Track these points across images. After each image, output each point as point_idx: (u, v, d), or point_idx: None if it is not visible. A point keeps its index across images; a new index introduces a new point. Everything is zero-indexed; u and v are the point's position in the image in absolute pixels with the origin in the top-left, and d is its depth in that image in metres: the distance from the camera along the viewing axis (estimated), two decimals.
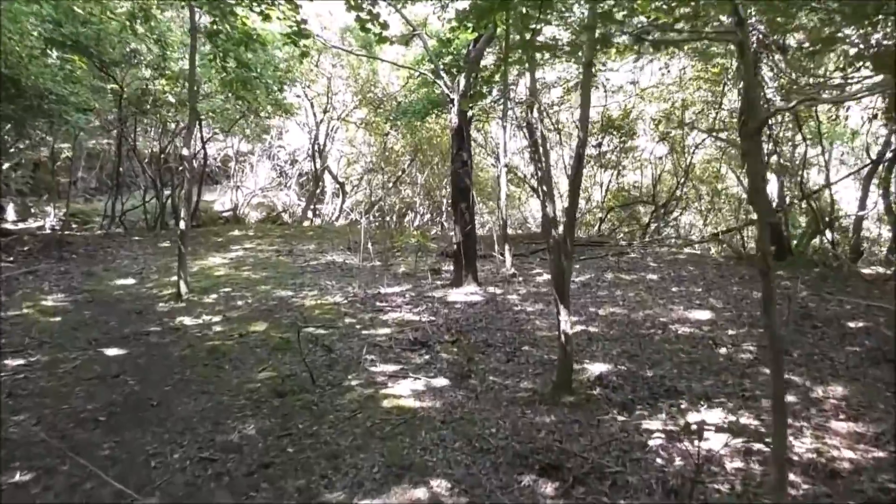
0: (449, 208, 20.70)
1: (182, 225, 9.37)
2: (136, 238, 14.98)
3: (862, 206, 12.14)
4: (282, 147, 23.95)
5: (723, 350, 6.40)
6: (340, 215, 21.33)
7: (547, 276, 9.95)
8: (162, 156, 17.88)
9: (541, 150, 5.87)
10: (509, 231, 12.52)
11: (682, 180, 14.70)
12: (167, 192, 17.84)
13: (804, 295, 8.37)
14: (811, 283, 9.09)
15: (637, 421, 4.84)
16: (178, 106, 11.34)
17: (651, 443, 4.49)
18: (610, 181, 16.91)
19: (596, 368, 5.92)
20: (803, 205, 12.41)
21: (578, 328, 7.27)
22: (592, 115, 16.45)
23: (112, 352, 6.78)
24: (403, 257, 11.91)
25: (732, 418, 4.84)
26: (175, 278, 9.42)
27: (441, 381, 5.74)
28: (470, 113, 9.23)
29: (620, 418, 4.89)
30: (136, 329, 7.63)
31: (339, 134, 21.38)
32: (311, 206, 20.60)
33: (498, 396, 5.37)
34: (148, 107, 14.72)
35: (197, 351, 6.77)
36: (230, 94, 10.85)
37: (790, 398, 5.19)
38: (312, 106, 19.41)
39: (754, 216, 13.12)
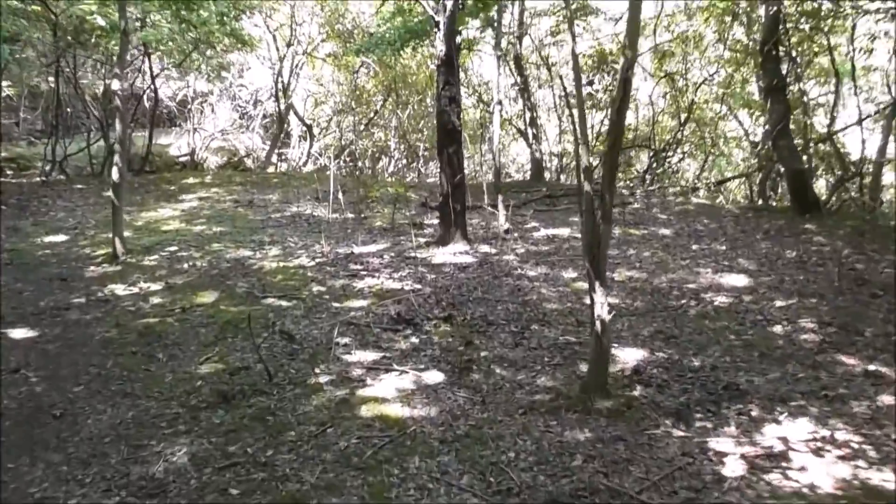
0: (425, 153, 19.26)
1: (116, 175, 7.87)
2: (79, 186, 13.39)
3: (883, 151, 11.01)
4: (243, 86, 22.06)
5: (778, 328, 5.23)
6: (308, 160, 19.72)
7: (547, 232, 8.68)
8: (108, 93, 16.09)
9: (576, 91, 4.46)
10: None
11: (684, 121, 13.38)
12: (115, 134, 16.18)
13: (846, 253, 7.22)
14: (848, 239, 7.94)
15: (700, 438, 3.65)
16: (111, 32, 9.74)
17: (728, 472, 3.30)
18: (602, 123, 15.53)
19: (629, 356, 4.70)
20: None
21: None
22: (584, 50, 15.01)
23: (18, 334, 5.40)
24: (379, 209, 10.53)
25: (825, 432, 3.67)
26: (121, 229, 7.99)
27: (434, 376, 4.49)
28: (459, 39, 7.76)
29: (677, 433, 3.69)
30: (55, 301, 6.23)
31: (305, 71, 19.60)
32: (276, 151, 18.97)
33: (510, 399, 4.13)
34: (88, 37, 12.89)
35: (125, 332, 5.41)
36: (176, 21, 9.17)
37: (887, 398, 4.04)
38: (275, 39, 17.58)
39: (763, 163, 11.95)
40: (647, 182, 12.99)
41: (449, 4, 7.26)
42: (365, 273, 6.99)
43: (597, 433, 3.68)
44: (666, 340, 5.02)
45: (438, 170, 7.96)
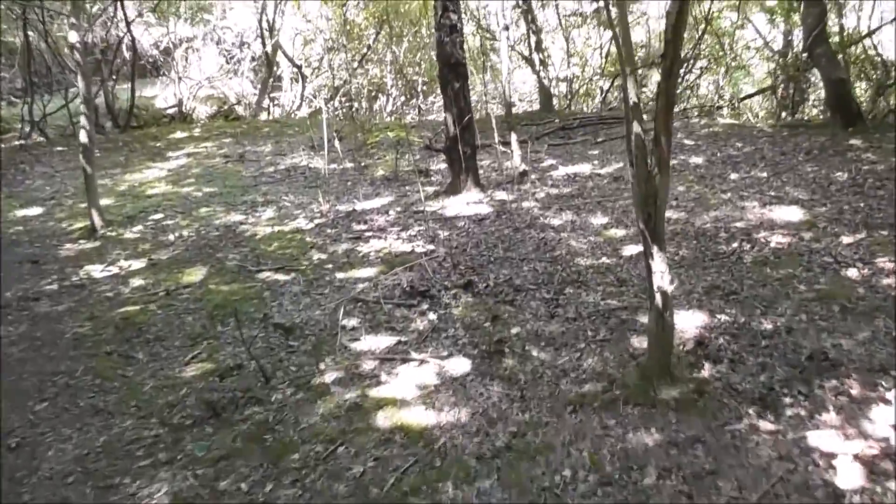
0: (424, 87, 18.17)
1: (84, 137, 7.05)
2: (59, 148, 12.58)
3: None
4: (228, 28, 20.82)
5: (853, 272, 4.47)
6: (302, 103, 18.71)
7: (566, 171, 7.86)
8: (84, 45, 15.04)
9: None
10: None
11: (701, 33, 12.28)
12: (95, 89, 15.23)
13: None
14: None
15: (796, 431, 2.94)
16: None
17: (843, 483, 2.61)
18: (610, 42, 14.41)
19: (686, 322, 3.97)
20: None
21: (632, 248, 5.29)
22: None
23: None
24: (380, 155, 9.70)
25: None
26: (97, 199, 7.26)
27: (460, 364, 3.79)
28: None
29: (766, 426, 2.99)
30: (23, 290, 5.55)
31: (291, 7, 18.37)
32: (268, 95, 17.96)
33: (555, 392, 3.43)
34: None
35: (101, 326, 4.72)
36: None
37: None
38: None
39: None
40: None
41: None
42: (370, 234, 6.24)
43: (667, 434, 2.99)
44: (725, 298, 4.28)
45: (443, 109, 7.10)
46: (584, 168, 7.92)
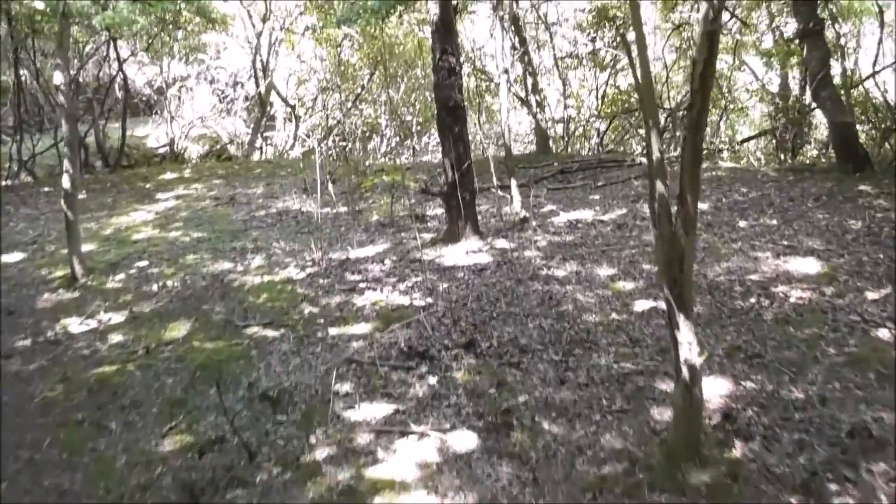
0: (418, 128, 18.04)
1: (66, 183, 6.75)
2: (46, 189, 12.24)
3: None
4: (222, 68, 20.74)
5: (883, 333, 4.17)
6: (295, 143, 18.55)
7: (568, 217, 7.59)
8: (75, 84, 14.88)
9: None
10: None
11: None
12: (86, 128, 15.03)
13: None
14: None
15: None
16: (52, 17, 8.55)
17: None
18: (606, 84, 14.35)
19: (710, 390, 3.65)
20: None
21: (643, 303, 5.00)
22: (583, 5, 13.79)
23: None
24: (375, 199, 9.43)
25: None
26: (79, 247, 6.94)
27: (464, 438, 3.45)
28: None
29: None
30: None
31: (285, 48, 18.32)
32: (260, 135, 17.78)
33: (571, 475, 3.09)
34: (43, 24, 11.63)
35: (74, 389, 4.37)
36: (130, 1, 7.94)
37: None
38: (250, 15, 16.29)
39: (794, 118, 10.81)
40: (665, 147, 11.85)
41: None
42: (365, 285, 5.93)
43: None
44: (749, 361, 3.97)
45: (440, 152, 6.85)
46: (586, 214, 7.66)
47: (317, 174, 8.92)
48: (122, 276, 6.81)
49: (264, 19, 15.21)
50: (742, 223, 6.78)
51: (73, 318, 5.73)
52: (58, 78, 6.55)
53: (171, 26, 12.24)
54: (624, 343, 4.38)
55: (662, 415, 3.45)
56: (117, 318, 5.67)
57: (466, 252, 6.48)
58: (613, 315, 4.84)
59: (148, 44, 13.57)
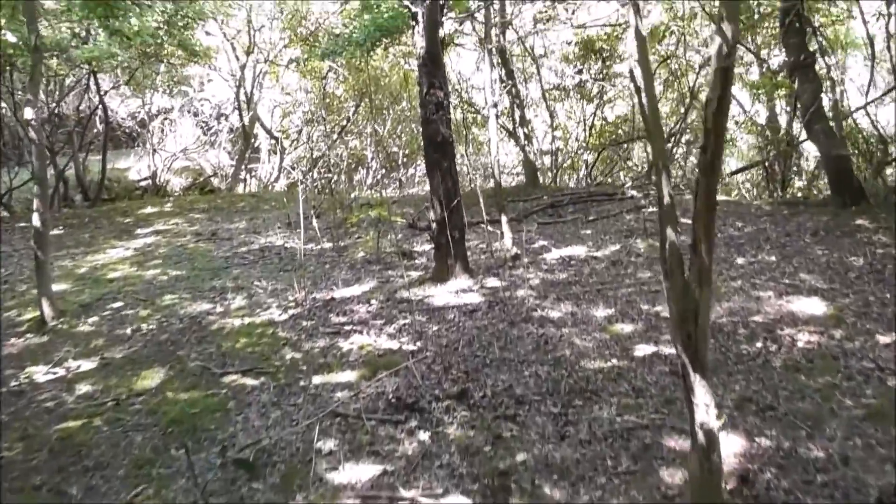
0: (405, 160, 17.88)
1: (36, 220, 6.45)
2: (22, 224, 11.85)
3: None
4: (206, 100, 20.55)
5: None
6: (280, 175, 18.32)
7: (560, 253, 7.36)
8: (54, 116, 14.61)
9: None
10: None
11: (687, 108, 12.12)
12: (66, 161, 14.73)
13: None
14: None
15: None
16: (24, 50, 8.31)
17: None
18: (594, 116, 14.26)
19: (725, 448, 3.38)
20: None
21: (643, 347, 4.75)
22: (569, 37, 13.75)
23: None
24: (360, 234, 9.18)
25: None
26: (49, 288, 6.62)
27: None
28: (444, 31, 6.44)
29: None
30: None
31: (269, 80, 18.17)
32: (244, 168, 17.54)
33: None
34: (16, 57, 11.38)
35: (34, 449, 4.03)
36: (106, 33, 7.69)
37: None
38: (234, 48, 16.13)
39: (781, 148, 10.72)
40: (650, 179, 11.71)
41: None
42: (350, 327, 5.65)
43: None
44: (761, 414, 3.72)
45: (429, 191, 6.62)
46: (579, 250, 7.44)
47: (301, 209, 8.66)
48: (94, 318, 6.49)
49: (248, 52, 15.04)
50: (740, 260, 6.58)
51: (39, 365, 5.39)
52: (28, 113, 6.27)
53: (152, 59, 12.01)
54: (626, 393, 4.11)
55: (673, 477, 3.19)
56: (87, 365, 5.35)
57: (457, 291, 6.22)
58: (613, 361, 4.58)
59: (129, 76, 13.32)
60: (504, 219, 6.93)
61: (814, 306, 5.18)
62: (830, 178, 8.36)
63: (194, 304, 6.68)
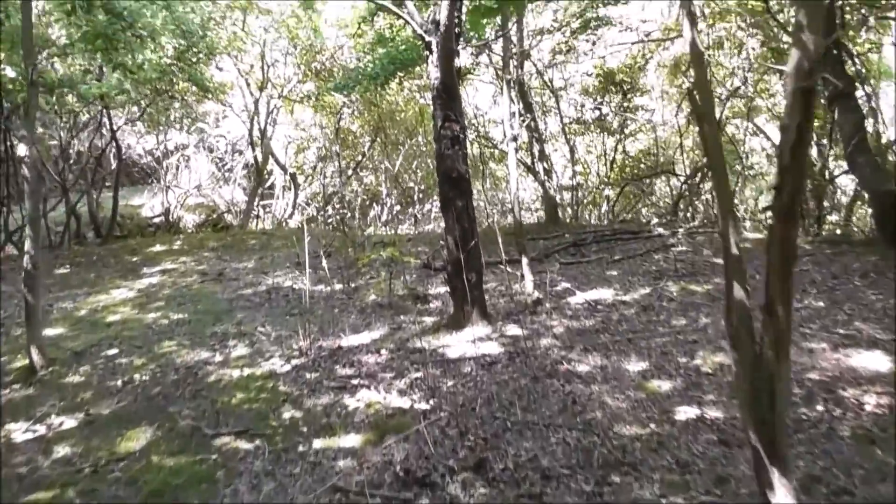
0: (420, 194, 17.51)
1: (27, 262, 6.07)
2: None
3: None
4: (222, 136, 20.41)
5: None
6: (294, 211, 18.02)
7: (585, 297, 6.85)
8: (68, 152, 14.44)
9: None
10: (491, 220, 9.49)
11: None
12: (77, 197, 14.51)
13: None
14: None
15: None
16: (12, 83, 8.07)
17: None
18: (615, 150, 13.83)
19: None
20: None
21: (685, 410, 4.21)
22: (588, 68, 13.40)
23: None
24: (372, 274, 8.73)
25: None
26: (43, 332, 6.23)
27: None
28: (460, 61, 6.05)
29: None
30: None
31: (283, 116, 17.99)
32: (256, 205, 17.25)
33: None
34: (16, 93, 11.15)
35: None
36: (109, 68, 7.38)
37: None
38: (248, 84, 15.95)
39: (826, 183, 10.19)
40: (680, 216, 11.21)
41: (442, 17, 5.54)
42: (357, 381, 5.15)
43: None
44: (835, 500, 3.16)
45: (444, 231, 6.17)
46: (605, 294, 6.93)
47: (306, 249, 8.25)
48: (86, 367, 6.05)
49: (261, 87, 14.82)
50: None
51: (20, 422, 4.94)
52: (22, 150, 5.95)
53: (165, 95, 11.79)
54: (670, 467, 3.57)
55: None
56: (70, 422, 4.89)
57: (474, 340, 5.72)
58: (652, 426, 4.04)
59: (141, 113, 13.12)
60: (525, 260, 6.44)
61: (877, 361, 4.62)
62: (876, 215, 7.81)
63: (193, 352, 6.22)
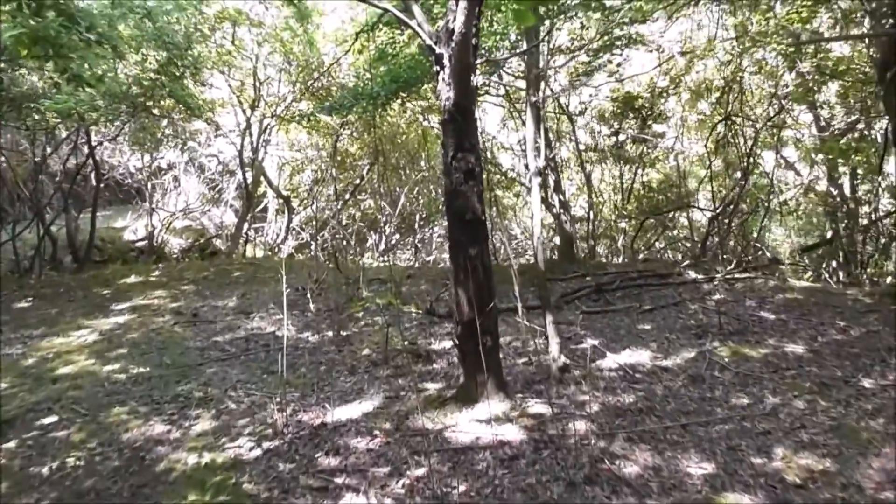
0: (422, 221, 16.44)
1: None
2: None
3: None
4: (213, 156, 19.37)
5: None
6: (287, 236, 16.95)
7: (618, 359, 5.77)
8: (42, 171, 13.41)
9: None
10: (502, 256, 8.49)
11: (745, 173, 10.57)
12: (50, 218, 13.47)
13: None
14: None
15: None
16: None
17: None
18: (633, 180, 12.79)
19: None
20: None
21: None
22: (605, 91, 12.43)
23: None
24: (367, 320, 7.64)
25: None
26: None
27: None
28: (477, 80, 5.00)
29: None
30: None
31: (278, 136, 16.97)
32: (246, 230, 16.19)
33: None
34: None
35: None
36: (63, 79, 6.28)
37: None
38: (240, 102, 14.91)
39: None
40: (703, 255, 10.14)
41: (458, 25, 4.50)
42: (342, 479, 4.05)
43: None
44: None
45: (452, 283, 5.07)
46: (642, 357, 5.86)
47: (308, 277, 7.18)
48: (12, 443, 4.94)
49: (252, 106, 13.80)
50: (866, 382, 4.95)
51: None
52: None
53: (146, 112, 10.75)
54: None
55: None
56: None
57: (489, 420, 4.62)
58: None
59: (119, 130, 12.09)
60: (549, 318, 5.34)
61: None
62: None
63: (146, 423, 5.12)
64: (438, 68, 4.86)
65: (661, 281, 8.29)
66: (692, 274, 8.41)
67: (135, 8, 8.82)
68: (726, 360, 5.62)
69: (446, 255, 17.12)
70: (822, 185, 11.80)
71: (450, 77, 4.75)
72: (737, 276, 8.18)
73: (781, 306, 7.02)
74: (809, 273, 9.36)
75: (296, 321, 7.80)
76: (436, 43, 4.86)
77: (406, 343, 6.53)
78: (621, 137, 12.60)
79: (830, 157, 10.18)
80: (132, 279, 11.25)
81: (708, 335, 6.25)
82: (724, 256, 9.89)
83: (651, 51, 9.88)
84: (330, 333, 7.25)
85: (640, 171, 12.64)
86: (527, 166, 6.72)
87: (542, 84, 6.79)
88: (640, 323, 6.88)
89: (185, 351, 7.02)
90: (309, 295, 8.46)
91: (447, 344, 6.45)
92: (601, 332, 6.67)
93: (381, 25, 9.19)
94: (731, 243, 10.32)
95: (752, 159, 10.59)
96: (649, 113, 12.17)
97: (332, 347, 6.82)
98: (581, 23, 9.16)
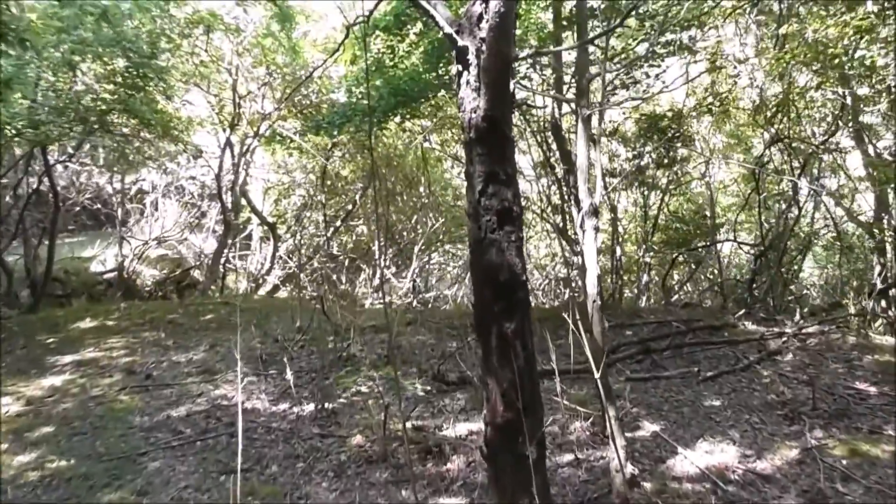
0: (420, 253, 14.94)
1: None
2: None
3: None
4: (193, 178, 17.91)
5: None
6: (272, 267, 15.44)
7: (693, 456, 4.28)
8: None
9: None
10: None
11: (796, 198, 9.18)
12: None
13: None
14: None
15: None
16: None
17: None
18: (659, 209, 11.38)
19: None
20: None
21: None
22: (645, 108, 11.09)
23: None
24: (358, 387, 6.15)
25: None
26: None
27: None
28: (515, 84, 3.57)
29: None
30: None
31: (263, 157, 15.57)
32: (224, 261, 14.70)
33: None
34: None
35: None
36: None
37: None
38: (221, 122, 13.45)
39: None
40: (760, 301, 8.69)
41: (492, 6, 3.09)
42: None
43: None
44: None
45: (484, 369, 3.60)
46: (726, 453, 4.39)
47: (295, 318, 5.70)
48: None
49: (232, 126, 12.35)
50: None
51: None
52: None
53: (100, 130, 9.29)
54: None
55: None
56: None
57: None
58: None
59: (75, 149, 10.63)
60: (612, 412, 3.86)
61: None
62: None
63: None
64: (461, 67, 3.41)
65: (713, 334, 6.83)
66: (749, 325, 6.96)
67: (86, 7, 7.45)
68: (844, 462, 4.16)
69: (447, 290, 15.68)
70: (865, 215, 10.48)
71: (477, 79, 3.31)
72: (806, 329, 6.73)
73: (878, 373, 5.58)
74: (879, 322, 7.95)
75: (270, 387, 6.31)
76: (457, 32, 3.42)
77: (410, 426, 5.04)
78: (643, 161, 11.21)
79: (881, 182, 8.85)
80: (87, 323, 9.68)
81: (801, 419, 4.80)
82: (775, 303, 8.44)
83: (698, 61, 8.53)
84: (311, 406, 5.75)
85: (666, 198, 11.25)
86: (575, 199, 5.27)
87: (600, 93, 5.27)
88: (706, 397, 5.41)
89: (126, 431, 5.51)
90: (288, 348, 6.99)
91: (462, 429, 4.97)
92: (658, 410, 5.20)
93: (378, 33, 7.84)
94: (781, 286, 8.87)
95: (799, 187, 9.21)
96: (677, 134, 10.80)
97: (315, 429, 5.32)
98: (642, 18, 7.76)
